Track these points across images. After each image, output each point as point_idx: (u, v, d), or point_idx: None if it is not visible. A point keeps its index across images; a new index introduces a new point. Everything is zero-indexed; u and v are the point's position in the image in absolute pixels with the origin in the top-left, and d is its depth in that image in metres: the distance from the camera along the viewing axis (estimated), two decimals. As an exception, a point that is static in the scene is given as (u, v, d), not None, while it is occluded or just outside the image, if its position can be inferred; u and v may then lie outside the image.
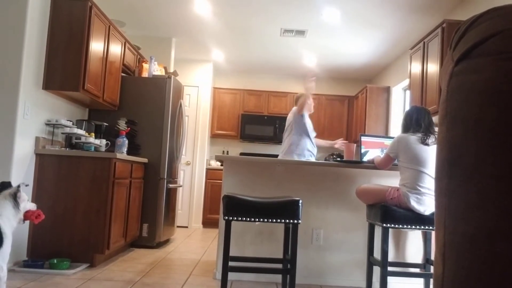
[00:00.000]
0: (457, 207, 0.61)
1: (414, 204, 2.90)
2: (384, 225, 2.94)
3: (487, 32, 0.63)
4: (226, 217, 2.65)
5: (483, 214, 0.57)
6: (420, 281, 3.47)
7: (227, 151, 7.59)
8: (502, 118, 0.58)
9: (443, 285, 0.61)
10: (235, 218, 2.65)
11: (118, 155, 3.86)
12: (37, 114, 3.72)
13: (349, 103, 7.47)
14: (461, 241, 0.59)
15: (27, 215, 2.55)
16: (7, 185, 2.54)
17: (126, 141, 4.42)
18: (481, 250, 0.56)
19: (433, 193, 2.66)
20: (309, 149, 4.40)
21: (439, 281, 0.63)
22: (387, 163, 3.21)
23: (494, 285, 0.55)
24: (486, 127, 0.59)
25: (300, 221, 2.68)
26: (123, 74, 4.93)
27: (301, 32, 5.56)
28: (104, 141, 4.26)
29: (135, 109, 4.87)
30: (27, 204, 2.55)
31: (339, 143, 4.42)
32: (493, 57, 0.61)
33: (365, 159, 3.62)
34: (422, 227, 2.96)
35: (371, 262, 3.26)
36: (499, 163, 0.57)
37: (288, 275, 2.73)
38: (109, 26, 4.39)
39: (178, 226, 6.43)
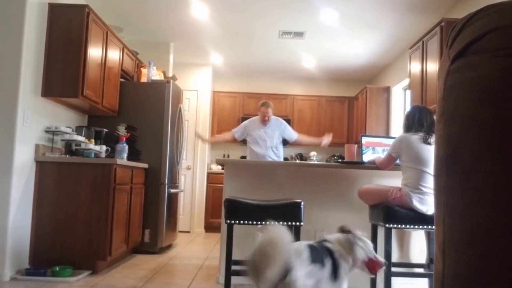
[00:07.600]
0: (455, 203, 0.61)
1: (416, 204, 2.88)
2: (387, 225, 2.93)
3: (483, 29, 0.62)
4: (228, 221, 2.65)
5: (481, 210, 0.57)
6: (425, 281, 3.45)
7: (228, 155, 7.58)
8: (498, 114, 0.57)
9: (443, 282, 0.61)
10: (237, 221, 2.65)
11: (119, 161, 3.86)
12: (37, 122, 3.72)
13: (349, 104, 7.47)
14: (460, 238, 0.59)
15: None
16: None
17: (126, 147, 4.42)
18: (480, 246, 0.56)
19: (434, 192, 2.65)
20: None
21: (440, 277, 0.62)
22: (389, 163, 3.20)
23: (493, 281, 0.54)
24: (483, 123, 0.59)
25: (302, 223, 2.67)
26: (122, 80, 4.93)
27: (299, 34, 5.56)
28: (104, 147, 4.26)
29: (135, 115, 4.86)
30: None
31: (326, 140, 4.49)
32: (489, 54, 0.61)
33: (370, 157, 3.59)
34: (425, 226, 2.94)
35: (374, 263, 3.24)
36: (496, 159, 0.56)
37: (291, 278, 2.71)
38: (107, 32, 4.39)
39: (180, 231, 6.41)
